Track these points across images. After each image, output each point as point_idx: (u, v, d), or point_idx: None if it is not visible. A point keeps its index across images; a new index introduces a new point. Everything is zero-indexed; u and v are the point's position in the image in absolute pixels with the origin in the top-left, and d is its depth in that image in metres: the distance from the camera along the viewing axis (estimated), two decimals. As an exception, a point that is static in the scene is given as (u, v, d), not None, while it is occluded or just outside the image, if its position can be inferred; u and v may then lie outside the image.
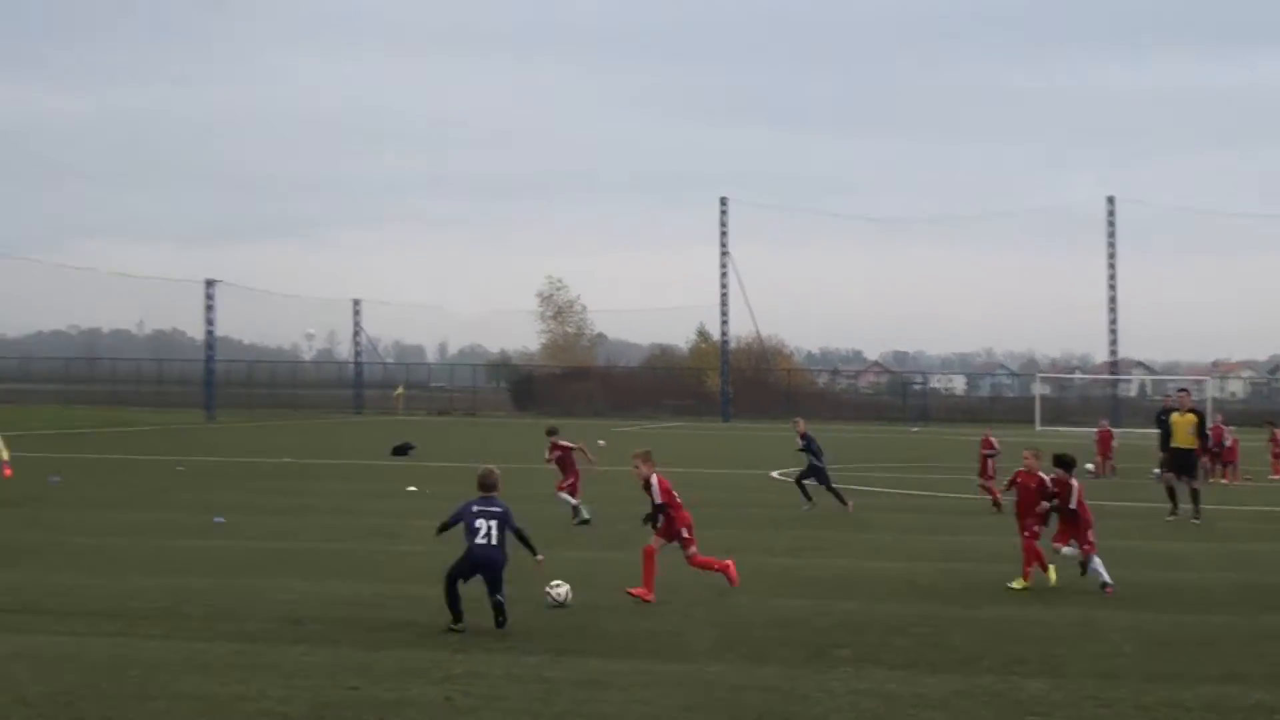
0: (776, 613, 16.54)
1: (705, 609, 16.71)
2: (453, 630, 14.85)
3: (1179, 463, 28.79)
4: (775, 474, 41.38)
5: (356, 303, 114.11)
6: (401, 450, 48.78)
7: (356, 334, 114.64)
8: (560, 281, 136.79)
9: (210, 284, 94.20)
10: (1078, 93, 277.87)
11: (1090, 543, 18.86)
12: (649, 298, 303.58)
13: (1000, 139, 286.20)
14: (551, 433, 27.98)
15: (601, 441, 55.78)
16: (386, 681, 12.46)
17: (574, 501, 26.70)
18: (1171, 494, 28.81)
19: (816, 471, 30.48)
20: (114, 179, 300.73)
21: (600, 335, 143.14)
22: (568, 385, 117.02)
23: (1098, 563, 18.75)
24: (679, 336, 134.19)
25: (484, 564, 15.17)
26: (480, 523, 15.27)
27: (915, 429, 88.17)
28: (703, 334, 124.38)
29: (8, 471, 25.53)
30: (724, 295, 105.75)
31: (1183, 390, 32.10)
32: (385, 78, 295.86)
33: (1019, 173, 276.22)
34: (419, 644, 14.26)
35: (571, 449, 27.32)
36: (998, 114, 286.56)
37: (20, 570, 19.17)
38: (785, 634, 15.19)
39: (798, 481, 30.87)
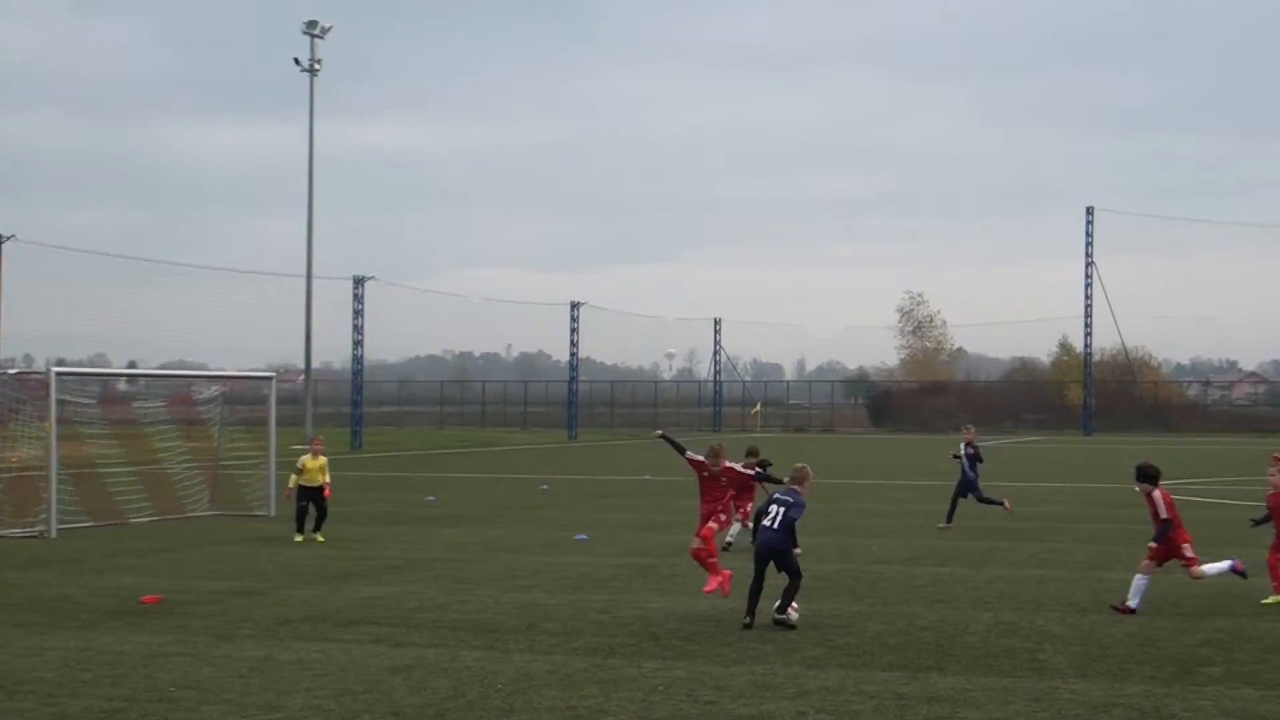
0: (1140, 630, 16.05)
1: (1063, 626, 16.33)
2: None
3: None
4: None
5: (716, 322, 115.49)
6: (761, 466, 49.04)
7: (716, 353, 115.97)
8: (920, 296, 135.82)
9: (575, 306, 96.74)
10: None
11: None
12: (1010, 311, 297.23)
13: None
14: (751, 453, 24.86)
15: (954, 455, 55.02)
16: (743, 697, 12.56)
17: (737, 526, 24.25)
18: None
19: (969, 484, 29.27)
20: (481, 207, 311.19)
21: (960, 349, 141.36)
22: (926, 400, 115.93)
23: None
24: (1040, 349, 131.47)
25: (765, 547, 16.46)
26: (772, 507, 16.66)
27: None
28: (1065, 346, 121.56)
29: (327, 492, 26.87)
30: (1088, 306, 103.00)
31: None
32: (728, 96, 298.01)
33: None
34: (773, 659, 14.34)
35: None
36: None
37: (398, 585, 20.05)
38: (1150, 651, 14.73)
39: (980, 498, 29.39)
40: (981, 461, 29.96)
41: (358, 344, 79.12)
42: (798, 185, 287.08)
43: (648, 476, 45.60)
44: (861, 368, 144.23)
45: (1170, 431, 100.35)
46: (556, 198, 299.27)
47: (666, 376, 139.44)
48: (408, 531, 28.11)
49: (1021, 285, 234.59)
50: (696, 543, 17.75)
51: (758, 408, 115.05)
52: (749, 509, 23.94)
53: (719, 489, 18.06)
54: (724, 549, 22.84)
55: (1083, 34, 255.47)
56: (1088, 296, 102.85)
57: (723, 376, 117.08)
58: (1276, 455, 19.36)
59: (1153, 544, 17.66)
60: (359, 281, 78.12)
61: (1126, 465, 52.00)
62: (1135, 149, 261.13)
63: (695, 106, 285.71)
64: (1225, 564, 18.04)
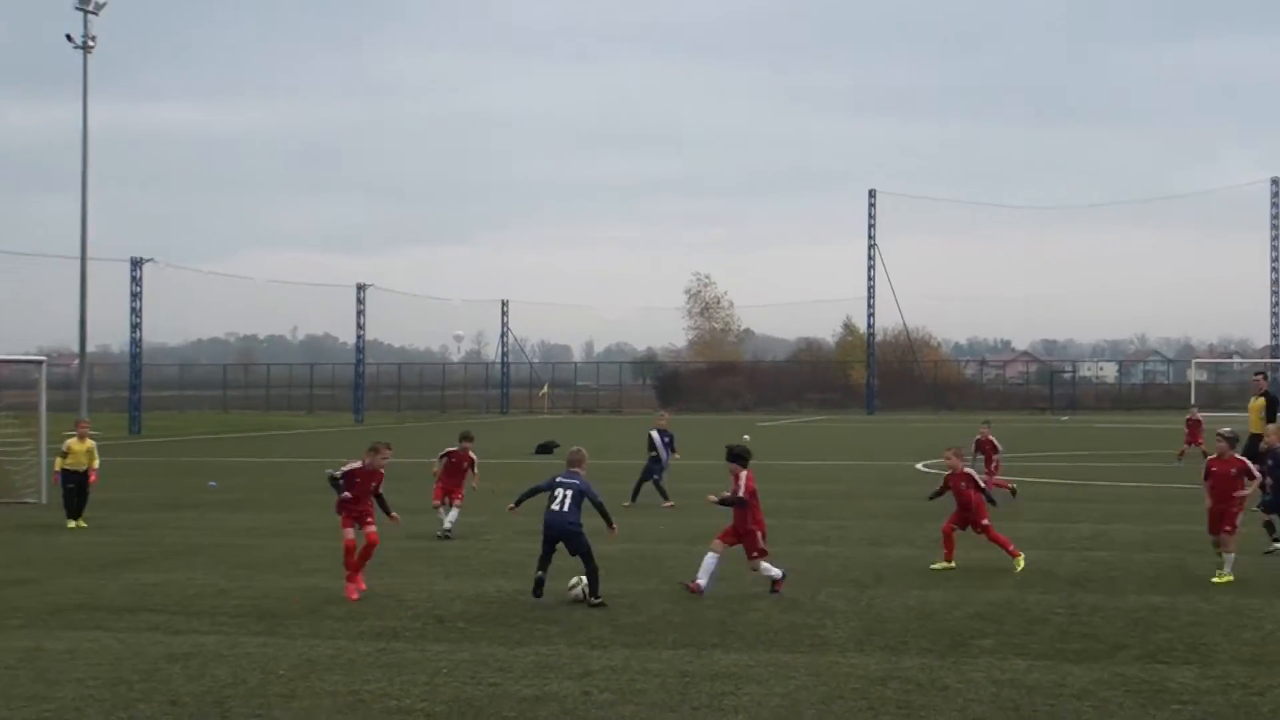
0: (917, 604, 16.42)
1: (844, 601, 16.63)
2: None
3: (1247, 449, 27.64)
4: (920, 465, 40.98)
5: (504, 303, 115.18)
6: (545, 448, 49.13)
7: (503, 334, 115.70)
8: (708, 278, 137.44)
9: (361, 288, 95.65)
10: (1238, 74, 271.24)
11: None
12: (796, 292, 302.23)
13: (1158, 123, 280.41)
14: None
15: (746, 436, 55.70)
16: (527, 678, 12.55)
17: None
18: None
19: (658, 467, 29.78)
20: (266, 188, 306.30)
21: (747, 330, 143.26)
22: (714, 381, 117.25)
23: None
24: (825, 330, 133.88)
25: (554, 529, 16.75)
26: (559, 492, 16.85)
27: (1064, 418, 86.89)
28: (849, 327, 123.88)
29: (93, 478, 26.36)
30: (871, 288, 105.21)
31: (1259, 374, 30.75)
32: (522, 78, 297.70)
33: (1177, 156, 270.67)
34: (558, 640, 14.35)
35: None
36: (1154, 98, 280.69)
37: (178, 572, 19.61)
38: (925, 625, 15.08)
39: (657, 484, 29.64)
40: (675, 452, 30.36)
41: (136, 327, 77.25)
42: (588, 167, 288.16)
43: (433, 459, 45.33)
44: (650, 349, 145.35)
45: (949, 409, 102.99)
46: (346, 180, 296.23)
47: (455, 358, 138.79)
48: (189, 517, 27.51)
49: (808, 267, 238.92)
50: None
51: (545, 389, 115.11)
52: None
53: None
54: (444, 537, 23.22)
55: (860, 20, 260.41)
56: (870, 278, 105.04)
57: (510, 358, 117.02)
58: (950, 449, 20.43)
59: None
60: (136, 263, 76.29)
61: (907, 443, 53.34)
62: (917, 134, 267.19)
63: (486, 88, 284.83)
64: (777, 572, 17.39)
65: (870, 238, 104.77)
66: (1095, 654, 13.49)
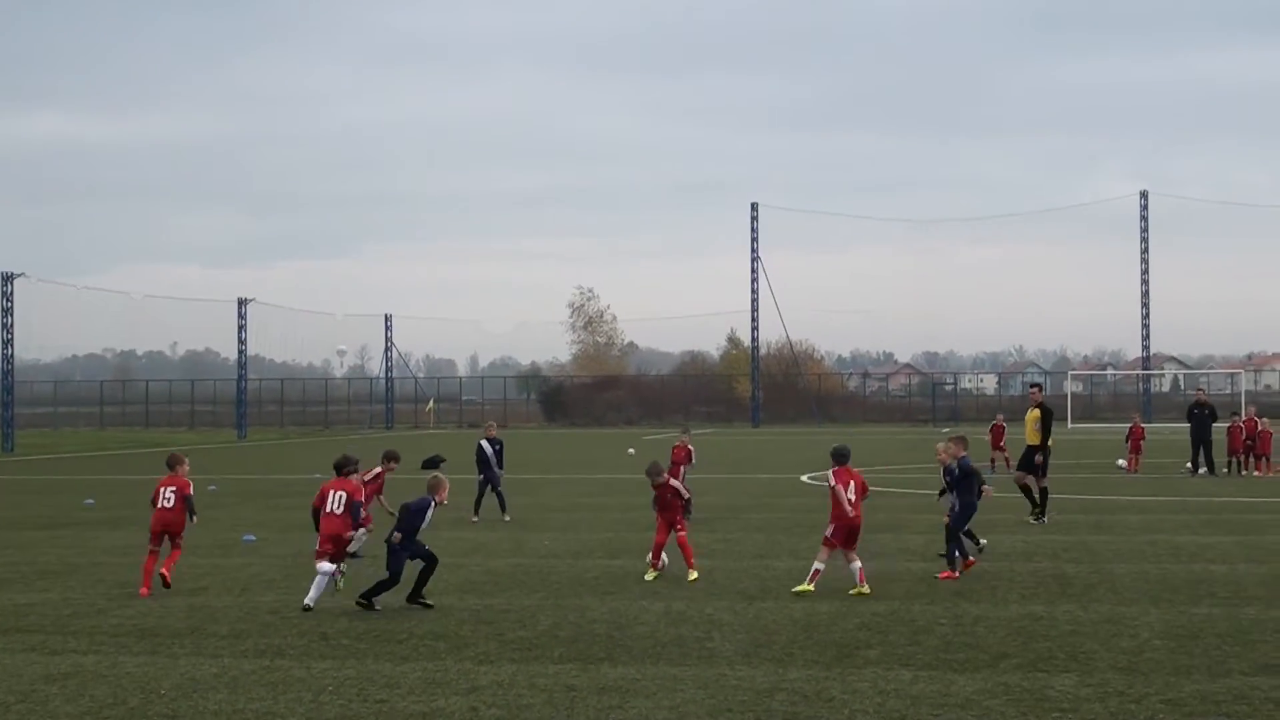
0: (804, 615, 16.52)
1: (731, 614, 16.70)
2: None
3: (1023, 460, 28.33)
4: (805, 478, 41.28)
5: (388, 318, 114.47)
6: (431, 463, 48.73)
7: (388, 349, 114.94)
8: (590, 291, 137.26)
9: (242, 303, 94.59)
10: (1111, 87, 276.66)
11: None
12: (680, 305, 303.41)
13: (1035, 134, 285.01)
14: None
15: (631, 450, 55.85)
16: (414, 694, 12.47)
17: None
18: (1026, 492, 27.80)
19: (494, 478, 29.07)
20: (144, 201, 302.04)
21: (631, 344, 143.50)
22: (599, 394, 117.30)
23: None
24: (710, 343, 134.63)
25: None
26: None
27: (946, 430, 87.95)
28: (733, 340, 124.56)
29: None
30: (755, 300, 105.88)
31: (1034, 386, 31.58)
32: (406, 91, 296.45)
33: (1053, 169, 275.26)
34: (445, 655, 14.28)
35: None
36: (1031, 111, 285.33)
37: (53, 591, 19.26)
38: (812, 636, 15.18)
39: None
40: (500, 468, 29.58)
41: (6, 343, 75.77)
42: (473, 179, 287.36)
43: (319, 476, 44.93)
44: (534, 363, 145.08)
45: (833, 422, 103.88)
46: (228, 193, 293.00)
47: (338, 374, 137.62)
48: (66, 536, 27.03)
49: (692, 280, 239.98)
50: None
51: (431, 404, 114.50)
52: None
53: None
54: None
55: (744, 34, 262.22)
56: (754, 291, 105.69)
57: (395, 373, 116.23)
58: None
59: None
60: (8, 278, 74.91)
61: (792, 455, 53.70)
62: (797, 146, 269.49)
63: (372, 100, 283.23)
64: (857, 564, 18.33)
65: (753, 251, 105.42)
66: (978, 663, 13.66)
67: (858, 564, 18.32)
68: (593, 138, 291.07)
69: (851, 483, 18.36)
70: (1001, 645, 14.60)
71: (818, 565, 18.35)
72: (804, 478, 41.44)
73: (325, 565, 17.52)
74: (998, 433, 44.74)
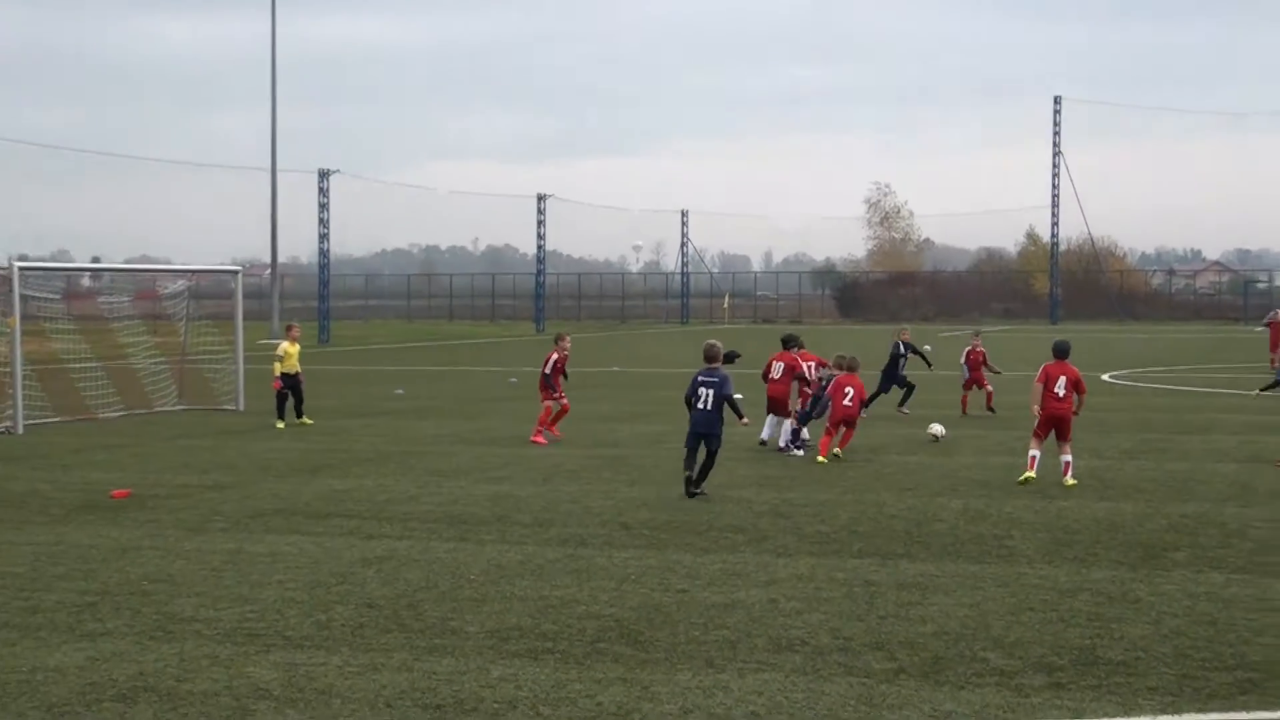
0: (1106, 516, 16.17)
1: (1031, 513, 16.44)
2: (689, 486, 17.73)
3: None
4: (1106, 376, 40.23)
5: (684, 214, 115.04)
6: (729, 358, 49.12)
7: (683, 245, 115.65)
8: (888, 187, 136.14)
9: (541, 199, 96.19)
10: None
11: None
12: (977, 202, 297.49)
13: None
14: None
15: (928, 346, 55.27)
16: (714, 585, 12.62)
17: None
18: None
19: (888, 380, 29.08)
20: (450, 101, 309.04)
21: (927, 240, 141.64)
22: (894, 291, 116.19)
23: None
24: (1008, 240, 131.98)
25: (699, 426, 17.84)
26: (701, 390, 18.00)
27: (1259, 328, 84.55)
28: (1032, 236, 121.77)
29: (275, 384, 27.22)
30: (1055, 196, 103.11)
31: None
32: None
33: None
34: (744, 548, 14.41)
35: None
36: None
37: (369, 478, 20.05)
38: (1115, 537, 14.85)
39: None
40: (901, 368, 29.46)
41: (323, 237, 78.64)
42: (767, 77, 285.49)
43: (510, 378, 45.64)
44: (829, 259, 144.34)
45: (1135, 320, 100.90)
46: (521, 90, 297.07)
47: (634, 269, 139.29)
48: (377, 424, 28.09)
49: (989, 176, 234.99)
50: None
51: (728, 299, 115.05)
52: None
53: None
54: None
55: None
56: (1054, 187, 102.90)
57: (690, 269, 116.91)
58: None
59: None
60: (324, 175, 77.55)
61: (1093, 354, 52.43)
62: (1100, 37, 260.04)
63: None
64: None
65: (1055, 145, 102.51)
66: (1294, 568, 13.19)
67: (1068, 457, 18.80)
68: (892, 32, 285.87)
69: (1063, 377, 18.95)
70: (1320, 551, 14.05)
71: (1033, 452, 19.09)
72: (1104, 376, 40.37)
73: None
74: (1277, 331, 39.44)
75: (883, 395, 28.98)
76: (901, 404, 28.68)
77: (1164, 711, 8.85)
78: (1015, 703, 9.06)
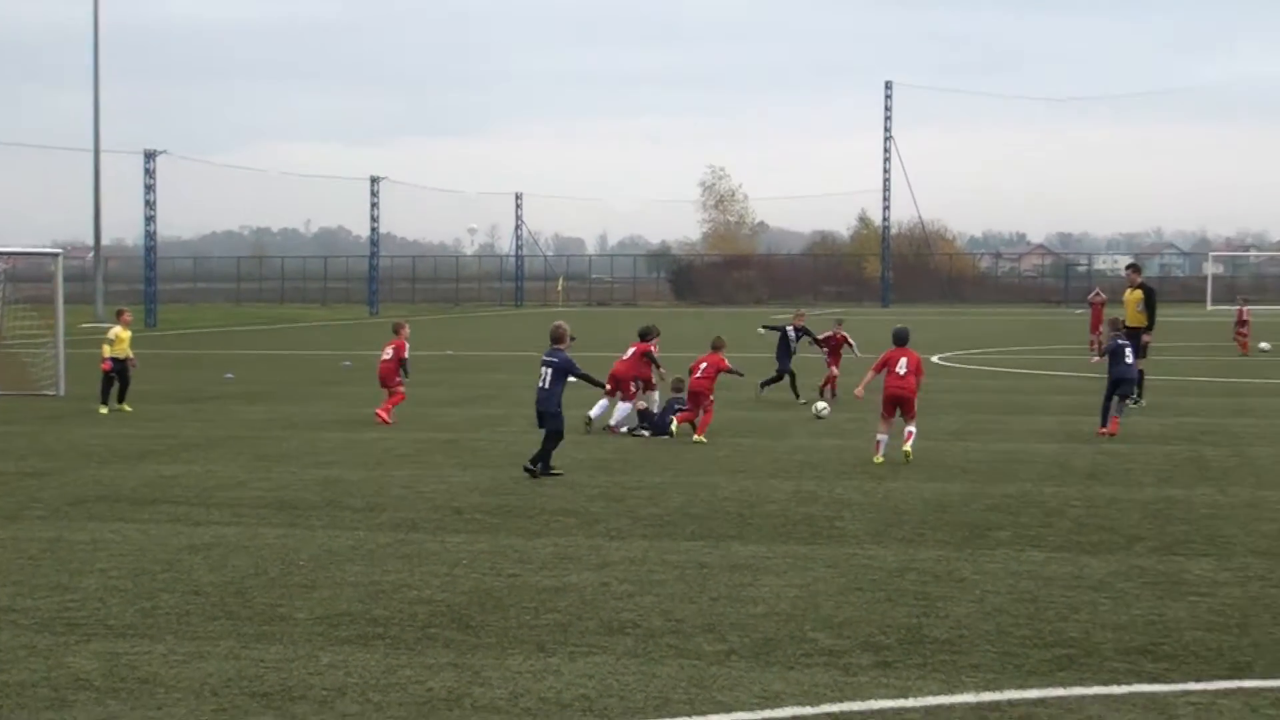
0: (934, 496, 16.45)
1: (862, 495, 16.67)
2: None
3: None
4: (935, 358, 40.94)
5: (518, 196, 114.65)
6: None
7: (518, 227, 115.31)
8: (722, 170, 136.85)
9: (375, 181, 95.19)
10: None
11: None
12: (811, 186, 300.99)
13: (1176, 12, 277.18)
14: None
15: (761, 329, 55.65)
16: (546, 569, 12.60)
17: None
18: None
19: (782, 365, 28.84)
20: (281, 81, 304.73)
21: (761, 223, 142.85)
22: (728, 274, 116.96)
23: None
24: (840, 223, 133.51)
25: (538, 404, 18.24)
26: (542, 369, 18.29)
27: (1079, 311, 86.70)
28: (864, 220, 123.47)
29: (104, 365, 26.68)
30: (886, 180, 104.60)
31: (1131, 267, 29.94)
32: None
33: (1194, 48, 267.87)
34: (576, 531, 14.42)
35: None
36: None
37: (196, 464, 19.69)
38: (942, 517, 15.12)
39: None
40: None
41: (150, 219, 77.03)
42: (603, 58, 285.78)
43: (344, 362, 45.41)
44: (664, 242, 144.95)
45: (963, 302, 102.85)
46: (353, 70, 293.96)
47: (468, 252, 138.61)
48: (205, 409, 27.60)
49: (822, 160, 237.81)
50: None
51: (562, 282, 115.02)
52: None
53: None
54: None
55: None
56: (886, 171, 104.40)
57: (525, 251, 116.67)
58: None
59: None
60: (150, 155, 75.98)
61: (923, 335, 53.26)
62: (921, 24, 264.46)
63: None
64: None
65: (886, 130, 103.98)
66: (1112, 546, 13.53)
67: (911, 427, 19.51)
68: (726, 17, 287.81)
69: (904, 359, 19.58)
70: (1136, 528, 14.44)
71: (880, 437, 19.50)
72: (934, 358, 41.06)
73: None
74: (1097, 312, 41.55)
75: (786, 378, 28.66)
76: (765, 384, 28.70)
77: (986, 689, 9.02)
78: (843, 682, 9.17)
